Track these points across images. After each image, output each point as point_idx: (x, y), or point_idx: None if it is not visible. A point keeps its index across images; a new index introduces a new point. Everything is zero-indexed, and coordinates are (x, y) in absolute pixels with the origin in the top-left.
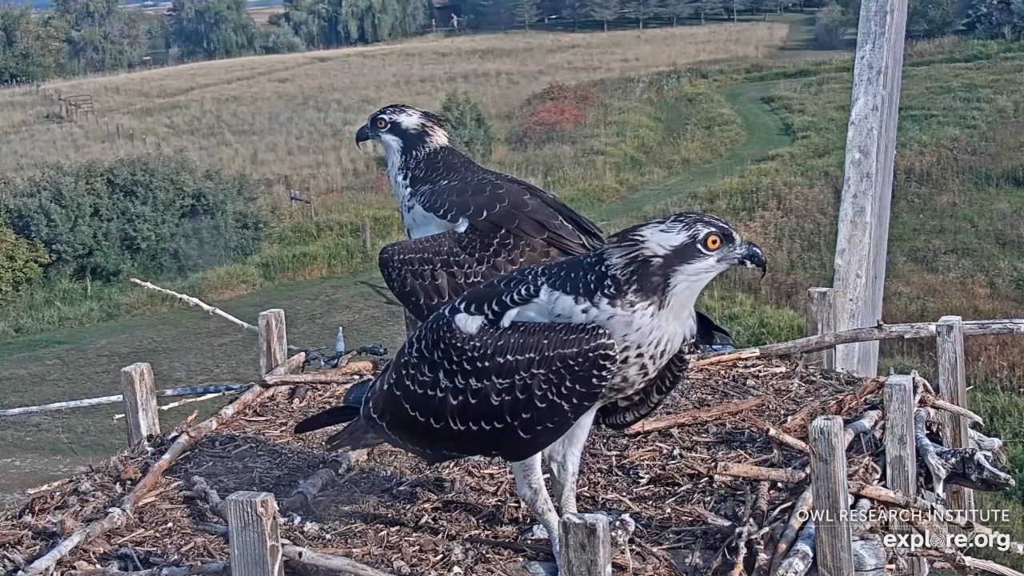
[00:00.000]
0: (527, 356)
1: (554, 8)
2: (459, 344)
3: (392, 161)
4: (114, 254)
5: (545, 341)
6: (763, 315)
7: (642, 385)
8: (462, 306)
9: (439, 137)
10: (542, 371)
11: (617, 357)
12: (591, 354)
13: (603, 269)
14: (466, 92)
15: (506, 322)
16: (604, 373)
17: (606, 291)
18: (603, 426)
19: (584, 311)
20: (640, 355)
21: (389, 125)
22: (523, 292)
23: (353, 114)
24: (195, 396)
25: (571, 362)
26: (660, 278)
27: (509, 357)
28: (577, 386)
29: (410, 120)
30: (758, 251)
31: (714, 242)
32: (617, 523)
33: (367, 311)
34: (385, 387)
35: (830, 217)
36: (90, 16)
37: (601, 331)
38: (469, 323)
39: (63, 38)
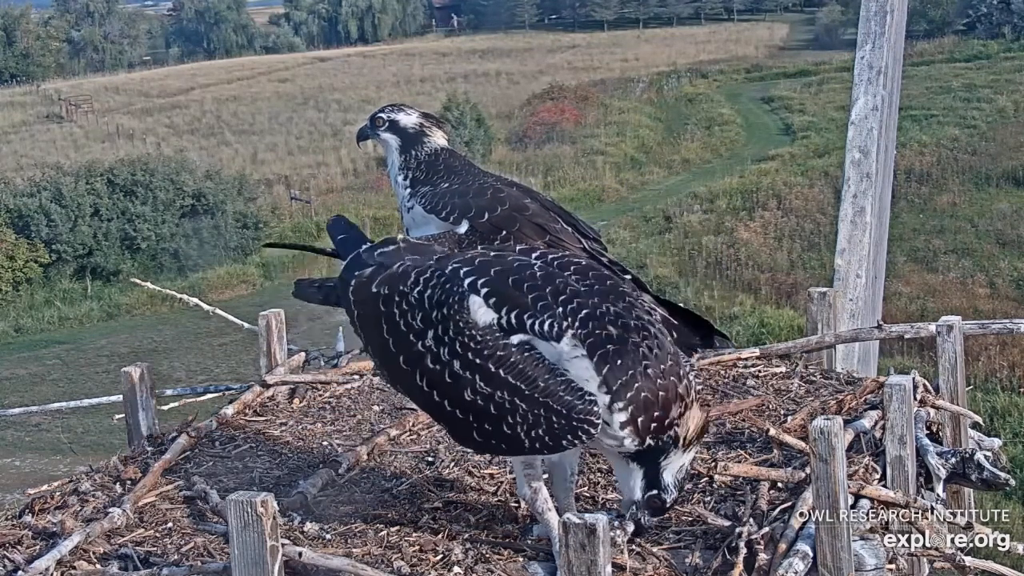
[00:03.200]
0: (516, 383)
1: (554, 8)
2: (461, 324)
3: (392, 160)
4: (114, 254)
5: (541, 384)
6: (763, 315)
7: None
8: (481, 286)
9: (438, 138)
10: (523, 405)
11: (595, 434)
12: (575, 421)
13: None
14: (466, 92)
15: (514, 340)
16: (576, 441)
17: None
18: None
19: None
20: None
21: (387, 124)
22: (546, 328)
23: (353, 114)
24: (195, 396)
25: (553, 417)
26: None
27: (501, 372)
28: (547, 438)
29: (408, 119)
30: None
31: None
32: (617, 523)
33: None
34: (373, 289)
35: (830, 217)
36: (90, 16)
37: (592, 399)
38: (481, 313)
39: (63, 38)
